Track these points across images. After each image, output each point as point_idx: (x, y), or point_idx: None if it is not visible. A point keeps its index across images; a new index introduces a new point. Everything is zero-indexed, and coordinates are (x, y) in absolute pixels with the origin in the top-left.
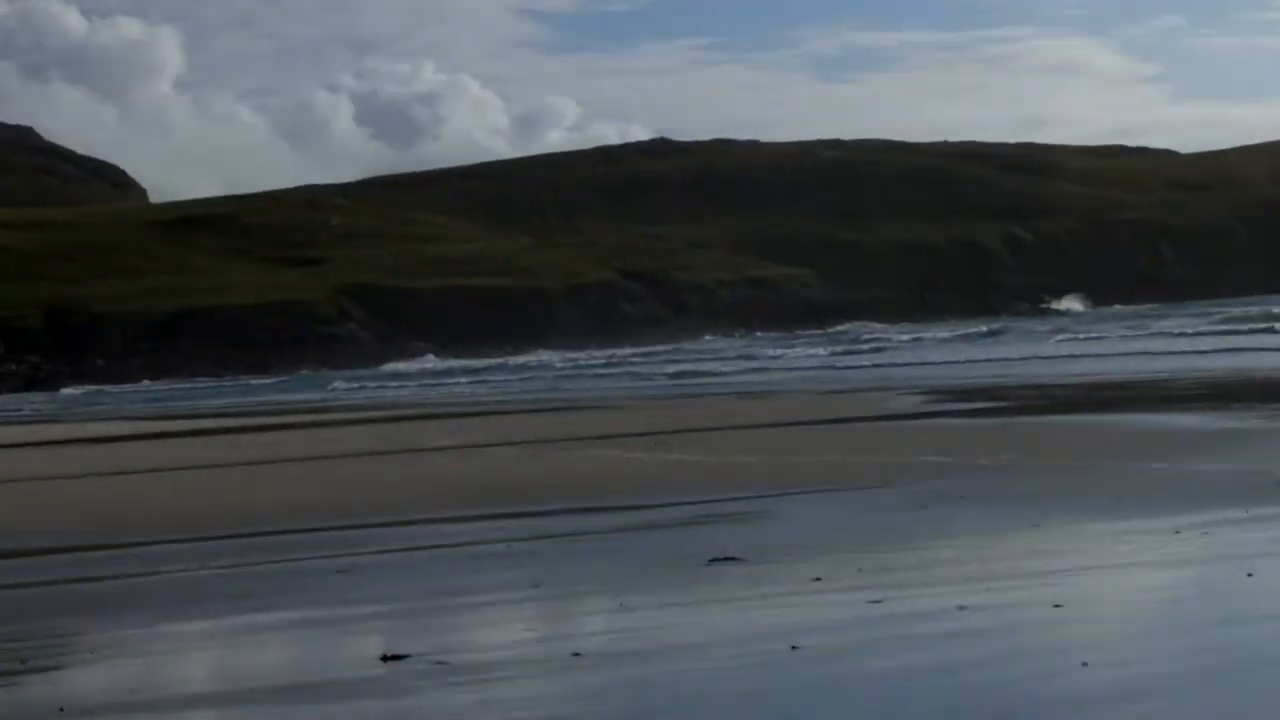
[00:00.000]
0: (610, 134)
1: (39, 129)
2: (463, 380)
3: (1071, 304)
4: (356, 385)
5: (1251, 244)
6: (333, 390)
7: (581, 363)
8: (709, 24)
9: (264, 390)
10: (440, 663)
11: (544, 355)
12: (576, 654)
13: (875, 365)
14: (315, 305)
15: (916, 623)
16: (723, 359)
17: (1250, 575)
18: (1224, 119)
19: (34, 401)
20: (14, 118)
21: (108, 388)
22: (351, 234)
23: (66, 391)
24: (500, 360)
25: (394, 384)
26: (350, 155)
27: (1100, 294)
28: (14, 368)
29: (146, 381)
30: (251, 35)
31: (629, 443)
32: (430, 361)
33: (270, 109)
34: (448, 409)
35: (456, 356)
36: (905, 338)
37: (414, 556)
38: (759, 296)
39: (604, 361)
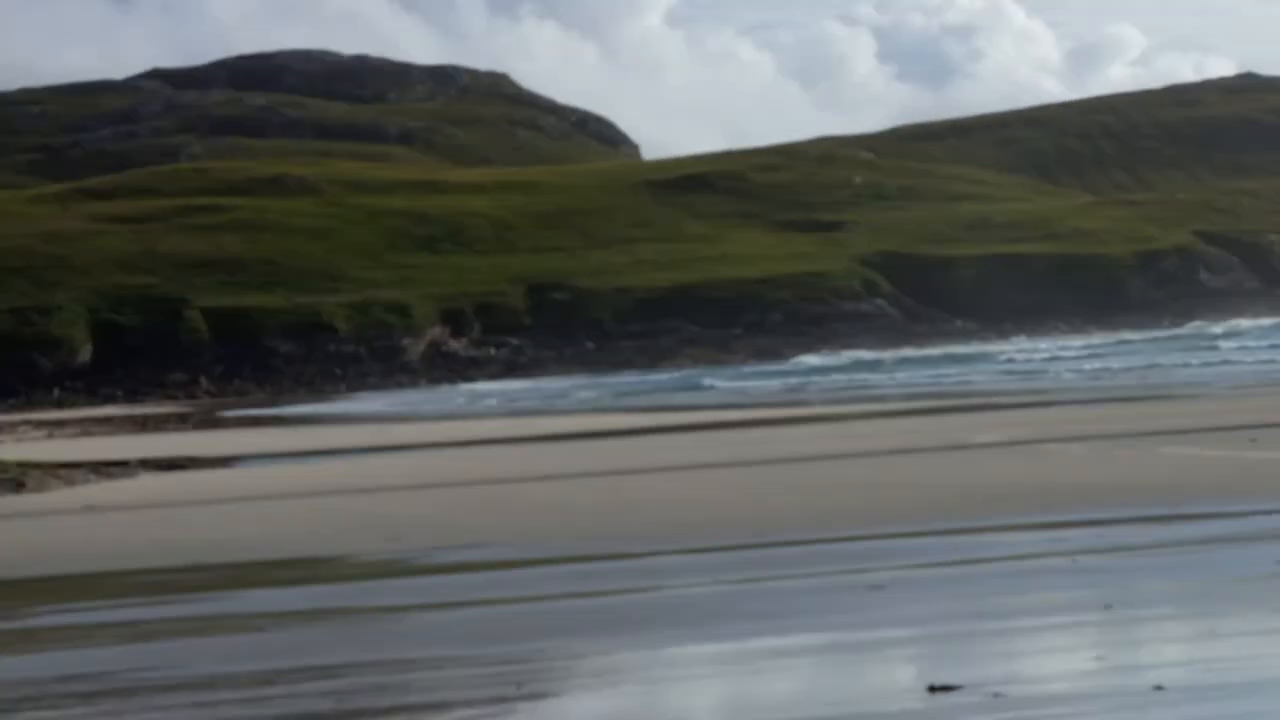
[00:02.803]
0: (1185, 69)
1: (513, 75)
2: (1000, 365)
3: None
4: (888, 374)
5: None
6: (855, 377)
7: (1131, 346)
8: None
9: (757, 376)
10: (997, 695)
11: (1100, 336)
12: (1158, 687)
13: None
14: (834, 278)
15: None
16: None
17: None
18: None
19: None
20: (483, 62)
21: (576, 380)
22: (877, 193)
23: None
24: (1050, 341)
25: (913, 370)
26: (872, 99)
27: None
28: (492, 352)
29: (630, 374)
30: None
31: (1212, 438)
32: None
33: (777, 46)
34: (990, 397)
35: (1002, 336)
36: None
37: (959, 571)
38: None
39: (1178, 338)
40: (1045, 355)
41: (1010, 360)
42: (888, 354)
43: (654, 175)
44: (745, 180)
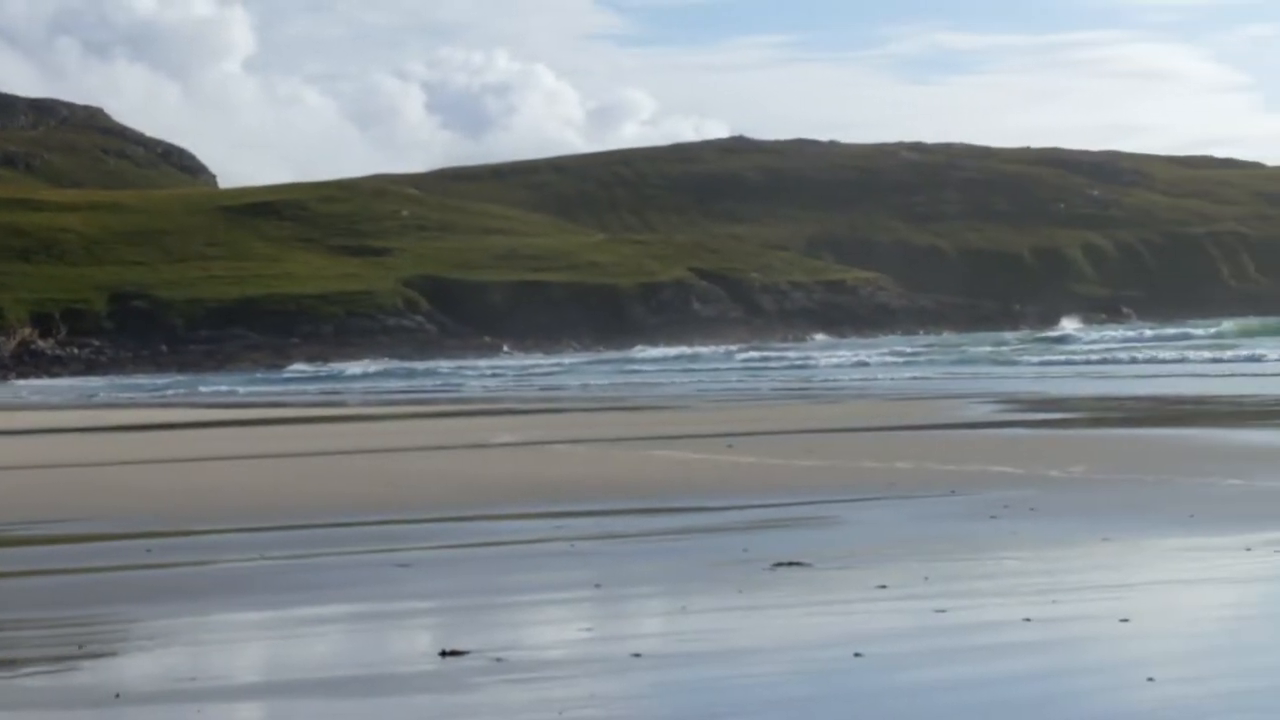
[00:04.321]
0: (687, 130)
1: (107, 110)
2: (512, 375)
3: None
4: (441, 381)
5: None
6: (397, 383)
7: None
8: (791, 20)
9: (318, 380)
10: (498, 659)
11: (608, 354)
12: (636, 655)
13: (942, 377)
14: (381, 297)
15: (981, 633)
16: (787, 364)
17: None
18: None
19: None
20: (81, 98)
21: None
22: (421, 225)
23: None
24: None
25: (448, 377)
26: (419, 144)
27: (1185, 307)
28: (76, 352)
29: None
30: (324, 20)
31: (694, 444)
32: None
33: (339, 94)
34: (512, 405)
35: (527, 352)
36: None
37: (475, 552)
38: (833, 300)
39: (673, 358)
40: (557, 368)
41: (531, 372)
42: (421, 364)
43: (228, 202)
44: (307, 209)
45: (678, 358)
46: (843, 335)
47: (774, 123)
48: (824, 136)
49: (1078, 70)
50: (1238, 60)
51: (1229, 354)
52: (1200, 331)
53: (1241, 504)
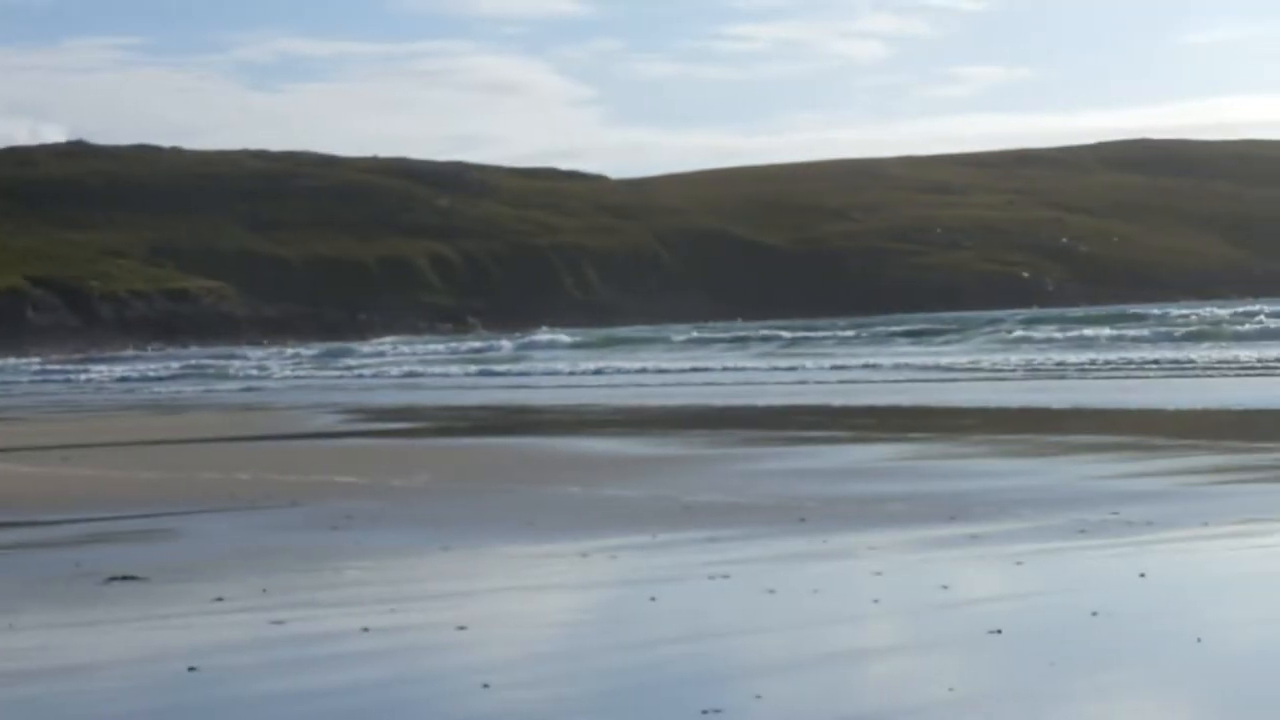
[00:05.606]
0: (21, 133)
1: None
2: None
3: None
4: None
5: (679, 272)
6: None
7: None
8: (134, 24)
9: None
10: None
11: None
12: None
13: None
14: None
15: (319, 644)
16: (103, 383)
17: (653, 599)
18: (658, 145)
19: None
20: None
21: None
22: None
23: None
24: None
25: None
26: None
27: (529, 317)
28: None
29: None
30: None
31: (28, 456)
32: None
33: None
34: None
35: None
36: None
37: None
38: (177, 309)
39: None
40: None
41: None
42: None
43: None
44: None
45: None
46: (185, 345)
47: (115, 128)
48: (167, 143)
49: (426, 80)
50: (583, 74)
51: (579, 366)
52: (507, 343)
53: (579, 511)
